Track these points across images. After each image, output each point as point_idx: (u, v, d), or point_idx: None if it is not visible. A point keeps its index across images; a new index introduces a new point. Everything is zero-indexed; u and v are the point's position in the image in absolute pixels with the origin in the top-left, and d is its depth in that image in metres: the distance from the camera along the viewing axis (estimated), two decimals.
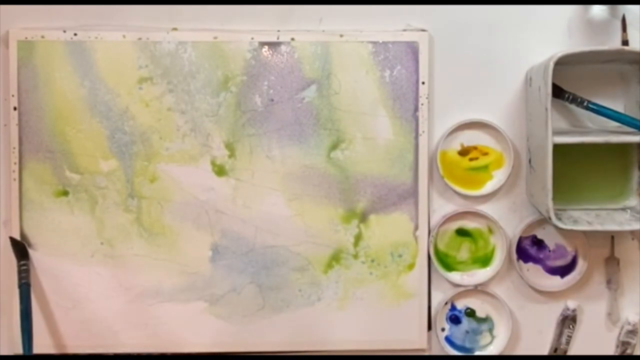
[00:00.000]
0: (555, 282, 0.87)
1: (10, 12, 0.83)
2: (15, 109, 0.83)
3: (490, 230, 0.86)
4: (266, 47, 0.84)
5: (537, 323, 0.88)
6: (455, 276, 0.86)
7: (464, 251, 0.86)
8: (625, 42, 0.83)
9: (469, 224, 0.86)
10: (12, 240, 0.83)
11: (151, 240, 0.84)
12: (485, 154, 0.86)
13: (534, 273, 0.87)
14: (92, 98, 0.83)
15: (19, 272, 0.81)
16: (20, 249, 0.83)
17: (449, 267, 0.86)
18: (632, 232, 0.87)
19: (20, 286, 0.80)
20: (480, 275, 0.86)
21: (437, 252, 0.86)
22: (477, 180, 0.86)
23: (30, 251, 0.84)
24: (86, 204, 0.84)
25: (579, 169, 0.85)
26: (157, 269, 0.85)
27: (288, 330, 0.86)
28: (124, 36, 0.83)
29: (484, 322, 0.87)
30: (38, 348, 0.84)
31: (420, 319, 0.86)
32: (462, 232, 0.86)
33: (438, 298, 0.87)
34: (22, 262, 0.82)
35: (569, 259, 0.87)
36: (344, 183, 0.85)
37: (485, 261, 0.87)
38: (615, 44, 0.84)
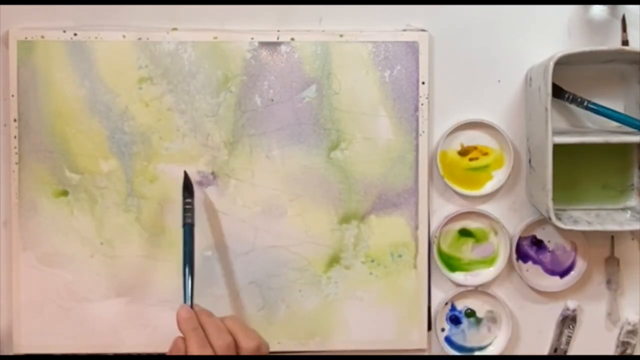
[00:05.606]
0: (555, 282, 0.87)
1: (10, 12, 0.83)
2: (15, 109, 0.83)
3: (494, 230, 0.86)
4: (266, 47, 0.84)
5: (537, 323, 0.88)
6: (458, 276, 0.86)
7: (467, 252, 0.86)
8: (625, 42, 0.83)
9: (471, 224, 0.86)
10: (185, 175, 0.82)
11: (151, 240, 0.84)
12: (485, 154, 0.86)
13: (534, 273, 0.87)
14: (92, 98, 0.83)
15: (184, 210, 0.79)
16: (187, 185, 0.81)
17: (452, 268, 0.86)
18: (632, 232, 0.87)
19: (183, 226, 0.78)
20: (484, 275, 0.86)
21: (440, 252, 0.86)
22: (477, 180, 0.86)
23: (30, 252, 0.84)
24: (86, 204, 0.84)
25: (579, 169, 0.85)
26: (157, 269, 0.85)
27: (288, 330, 0.86)
28: (124, 36, 0.83)
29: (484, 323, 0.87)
30: (38, 348, 0.84)
31: (420, 319, 0.86)
32: (465, 233, 0.86)
33: (438, 298, 0.87)
34: (187, 201, 0.79)
35: (569, 259, 0.87)
36: (344, 183, 0.85)
37: (489, 261, 0.86)
38: (615, 44, 0.84)
